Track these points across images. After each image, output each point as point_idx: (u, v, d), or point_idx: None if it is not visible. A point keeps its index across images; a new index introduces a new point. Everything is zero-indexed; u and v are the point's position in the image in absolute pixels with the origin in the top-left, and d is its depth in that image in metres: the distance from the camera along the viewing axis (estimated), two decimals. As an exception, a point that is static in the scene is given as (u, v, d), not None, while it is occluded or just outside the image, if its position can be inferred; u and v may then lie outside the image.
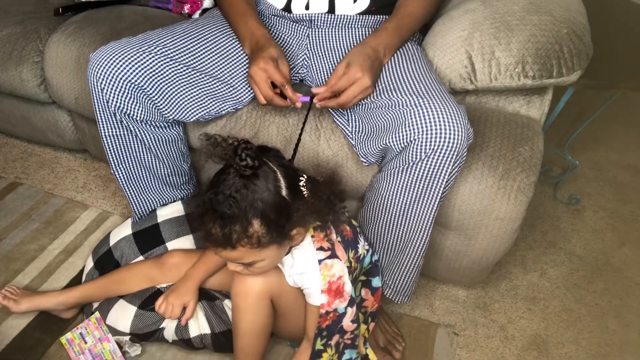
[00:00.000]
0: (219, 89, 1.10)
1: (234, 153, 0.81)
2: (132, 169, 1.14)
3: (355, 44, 1.13)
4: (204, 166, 1.30)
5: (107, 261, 1.20)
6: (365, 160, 1.06)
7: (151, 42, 1.04)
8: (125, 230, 1.23)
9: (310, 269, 0.92)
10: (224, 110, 1.11)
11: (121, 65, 1.00)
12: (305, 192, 0.87)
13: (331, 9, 1.11)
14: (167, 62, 1.04)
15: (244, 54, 1.13)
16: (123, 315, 1.11)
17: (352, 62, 1.00)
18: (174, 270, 1.12)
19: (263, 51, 1.03)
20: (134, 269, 1.15)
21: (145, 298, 1.12)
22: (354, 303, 0.97)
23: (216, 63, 1.10)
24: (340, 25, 1.13)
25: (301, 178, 0.87)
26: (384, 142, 0.98)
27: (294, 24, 1.15)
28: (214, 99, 1.10)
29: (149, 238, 1.20)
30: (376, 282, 1.07)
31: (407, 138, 0.93)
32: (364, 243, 1.02)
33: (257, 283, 0.94)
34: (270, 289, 0.95)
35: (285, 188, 0.84)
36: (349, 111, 1.08)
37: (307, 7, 1.11)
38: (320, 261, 0.92)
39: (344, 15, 1.12)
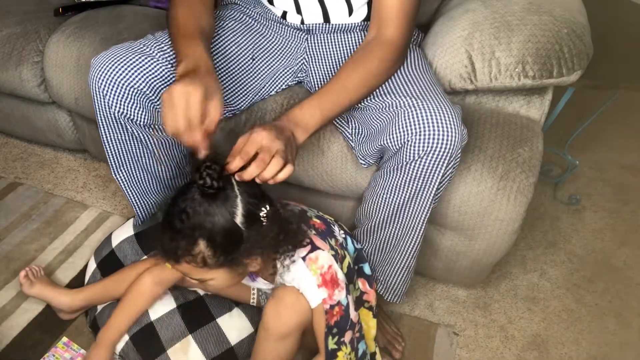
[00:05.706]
0: None
1: (196, 170, 0.79)
2: (134, 172, 1.13)
3: (353, 47, 1.12)
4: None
5: (110, 263, 1.20)
6: (364, 162, 1.06)
7: (152, 46, 1.03)
8: (127, 231, 1.23)
9: (298, 270, 0.91)
10: (223, 114, 1.10)
11: (123, 71, 0.99)
12: (265, 223, 0.84)
13: (326, 21, 1.11)
14: (168, 66, 1.03)
15: (245, 58, 1.12)
16: None
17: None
18: None
19: (199, 77, 0.85)
20: (135, 268, 1.14)
21: (138, 330, 1.08)
22: (348, 290, 0.96)
23: (216, 68, 1.09)
24: (338, 31, 1.13)
25: (263, 208, 0.83)
26: (381, 143, 0.98)
27: (293, 29, 1.15)
28: None
29: (151, 238, 1.19)
30: (367, 269, 1.08)
31: (401, 139, 0.94)
32: (340, 231, 1.03)
33: (294, 320, 0.92)
34: (304, 322, 0.93)
35: (240, 216, 0.81)
36: (347, 114, 1.08)
37: (302, 22, 1.12)
38: (304, 258, 0.91)
39: (340, 24, 1.12)
